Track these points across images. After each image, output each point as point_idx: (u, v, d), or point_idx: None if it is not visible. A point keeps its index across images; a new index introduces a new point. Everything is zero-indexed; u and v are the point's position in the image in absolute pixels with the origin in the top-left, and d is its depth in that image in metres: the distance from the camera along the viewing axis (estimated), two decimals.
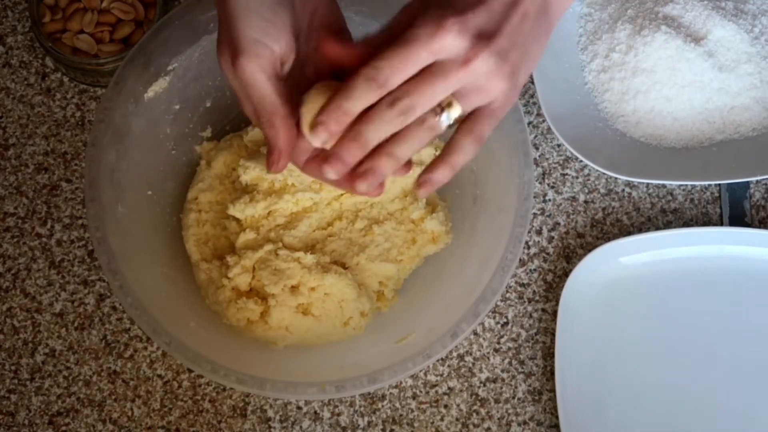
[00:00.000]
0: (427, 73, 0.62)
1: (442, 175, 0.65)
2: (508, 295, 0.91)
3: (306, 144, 0.66)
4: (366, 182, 0.64)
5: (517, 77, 0.64)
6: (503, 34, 0.62)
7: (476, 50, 0.61)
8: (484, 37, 0.61)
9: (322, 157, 0.64)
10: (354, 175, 0.64)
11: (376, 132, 0.62)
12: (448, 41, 0.60)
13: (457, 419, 0.89)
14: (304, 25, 0.68)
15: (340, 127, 0.63)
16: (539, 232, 0.93)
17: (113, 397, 0.88)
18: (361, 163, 0.64)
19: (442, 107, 0.63)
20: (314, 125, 0.63)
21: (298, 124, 0.66)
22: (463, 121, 0.65)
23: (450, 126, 0.64)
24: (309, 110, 0.65)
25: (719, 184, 0.95)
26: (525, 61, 0.64)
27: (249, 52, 0.64)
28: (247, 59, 0.64)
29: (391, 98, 0.62)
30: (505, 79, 0.63)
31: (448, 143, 0.65)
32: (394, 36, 0.62)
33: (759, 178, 0.90)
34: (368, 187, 0.64)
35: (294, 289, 0.81)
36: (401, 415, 0.88)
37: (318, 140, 0.63)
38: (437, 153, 0.85)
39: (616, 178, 0.94)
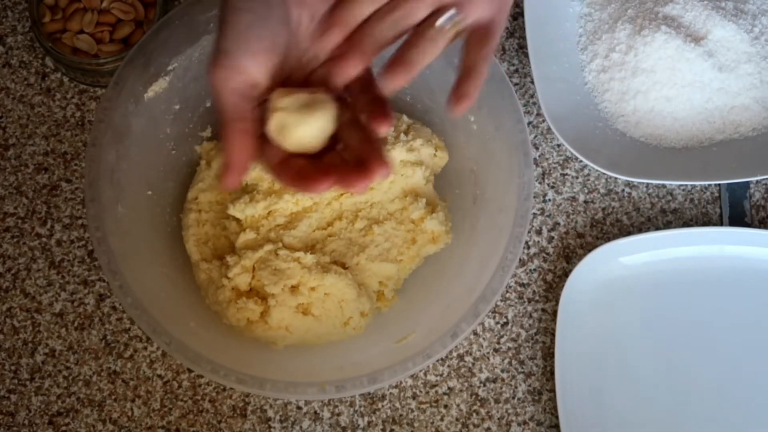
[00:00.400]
0: None
1: (467, 87, 0.67)
2: (508, 295, 0.91)
3: (275, 149, 0.67)
4: (394, 78, 0.65)
5: None
6: None
7: None
8: None
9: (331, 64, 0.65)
10: (384, 74, 0.65)
11: (375, 31, 0.64)
12: None
13: (457, 419, 0.89)
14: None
15: (346, 29, 0.64)
16: (539, 232, 0.93)
17: (113, 397, 0.88)
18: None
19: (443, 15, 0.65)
20: (325, 29, 0.65)
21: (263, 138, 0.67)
22: (465, 46, 0.67)
23: (451, 31, 0.66)
24: (276, 112, 0.65)
25: (719, 184, 0.95)
26: None
27: (220, 64, 0.65)
28: (217, 68, 0.65)
29: (390, 5, 0.64)
30: None
31: (460, 67, 0.67)
32: None
33: (759, 178, 0.90)
34: (393, 82, 0.65)
35: (294, 289, 0.81)
36: (401, 415, 0.88)
37: (329, 43, 0.65)
38: (436, 153, 0.86)
39: (615, 178, 0.94)
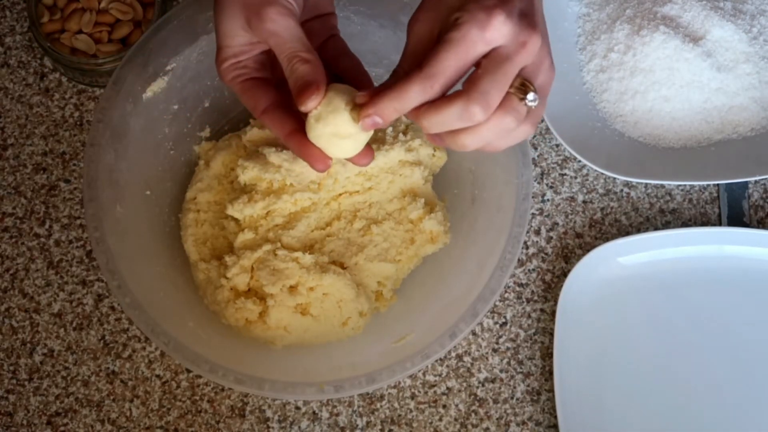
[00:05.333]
0: (492, 62, 0.63)
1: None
2: (506, 295, 0.91)
3: (289, 119, 0.71)
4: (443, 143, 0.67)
5: (551, 48, 0.67)
6: (536, 8, 0.65)
7: (528, 31, 0.63)
8: (526, 16, 0.63)
9: None
10: (431, 137, 0.67)
11: (445, 125, 0.64)
12: (498, 31, 0.62)
13: (456, 419, 0.89)
14: None
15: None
16: (538, 232, 0.93)
17: (111, 397, 0.88)
18: None
19: (517, 90, 0.64)
20: (362, 116, 0.65)
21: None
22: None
23: (532, 106, 0.65)
24: (319, 122, 0.68)
25: (718, 184, 0.95)
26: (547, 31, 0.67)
27: (276, 2, 0.67)
28: (276, 8, 0.66)
29: (465, 97, 0.62)
30: (549, 52, 0.66)
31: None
32: (419, 56, 0.64)
33: (757, 178, 0.91)
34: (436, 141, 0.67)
35: (292, 289, 0.81)
36: (400, 416, 0.88)
37: (366, 128, 0.66)
38: (435, 153, 0.86)
39: (614, 178, 0.95)
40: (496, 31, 0.62)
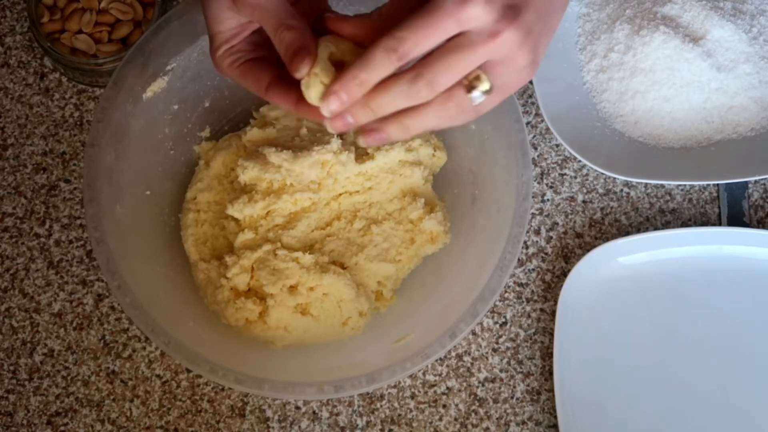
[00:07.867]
0: (452, 45, 0.60)
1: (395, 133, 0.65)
2: (506, 295, 0.91)
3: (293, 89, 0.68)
4: (367, 141, 0.65)
5: (538, 51, 0.63)
6: (530, 5, 0.61)
7: (505, 22, 0.60)
8: (512, 8, 0.60)
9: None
10: (360, 129, 0.65)
11: (393, 104, 0.62)
12: (476, 11, 0.59)
13: (456, 419, 0.89)
14: None
15: (353, 99, 0.63)
16: (537, 232, 0.93)
17: (112, 397, 0.88)
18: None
19: (470, 82, 0.62)
20: (327, 94, 0.63)
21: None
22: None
23: (479, 102, 0.63)
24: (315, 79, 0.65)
25: (717, 184, 0.95)
26: (545, 35, 0.63)
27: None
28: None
29: (414, 72, 0.61)
30: (530, 54, 0.62)
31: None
32: (406, 7, 0.62)
33: (757, 178, 0.91)
34: (366, 143, 0.65)
35: (292, 289, 0.81)
36: (400, 415, 0.88)
37: (327, 110, 0.64)
38: (435, 153, 0.86)
39: (614, 178, 0.95)
40: (471, 11, 0.59)
